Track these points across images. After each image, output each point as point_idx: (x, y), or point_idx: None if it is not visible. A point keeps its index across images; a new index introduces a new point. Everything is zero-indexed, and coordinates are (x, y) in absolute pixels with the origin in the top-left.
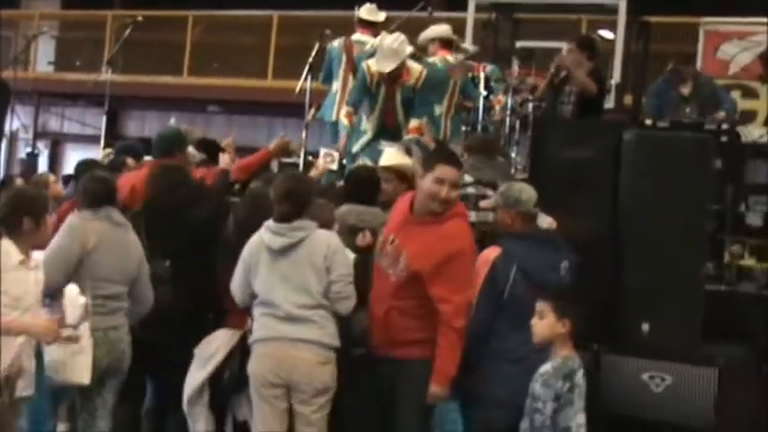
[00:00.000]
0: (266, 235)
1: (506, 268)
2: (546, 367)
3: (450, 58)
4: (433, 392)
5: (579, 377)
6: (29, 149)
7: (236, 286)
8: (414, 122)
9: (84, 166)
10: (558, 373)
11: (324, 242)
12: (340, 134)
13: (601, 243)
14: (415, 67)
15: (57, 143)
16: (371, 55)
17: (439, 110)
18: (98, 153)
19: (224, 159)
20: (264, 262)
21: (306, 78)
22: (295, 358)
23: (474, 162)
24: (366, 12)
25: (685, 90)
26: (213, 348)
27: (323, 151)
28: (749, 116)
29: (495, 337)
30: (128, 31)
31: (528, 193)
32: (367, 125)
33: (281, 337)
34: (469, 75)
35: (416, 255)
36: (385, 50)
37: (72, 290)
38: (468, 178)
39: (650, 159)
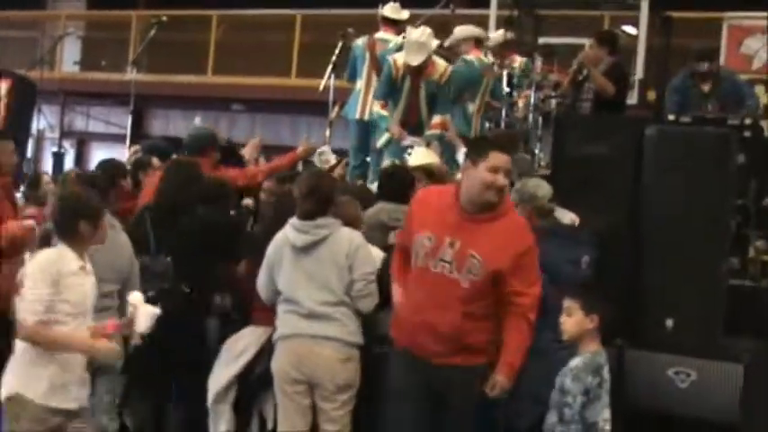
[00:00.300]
0: (290, 232)
1: None
2: (576, 362)
3: (484, 58)
4: (500, 383)
5: (606, 372)
6: (55, 148)
7: (261, 284)
8: (437, 118)
9: (105, 165)
10: (587, 367)
11: (346, 240)
12: (380, 127)
13: (623, 239)
14: (440, 62)
15: (82, 142)
16: (399, 49)
17: (472, 108)
18: (123, 152)
19: (247, 153)
20: (288, 259)
21: (329, 76)
22: (317, 355)
23: None
24: (390, 10)
25: (705, 87)
26: (242, 346)
27: (318, 150)
28: None
29: None
30: (153, 32)
31: (543, 188)
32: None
33: (304, 333)
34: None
35: (491, 254)
36: (412, 44)
37: (139, 297)
38: None
39: (672, 155)
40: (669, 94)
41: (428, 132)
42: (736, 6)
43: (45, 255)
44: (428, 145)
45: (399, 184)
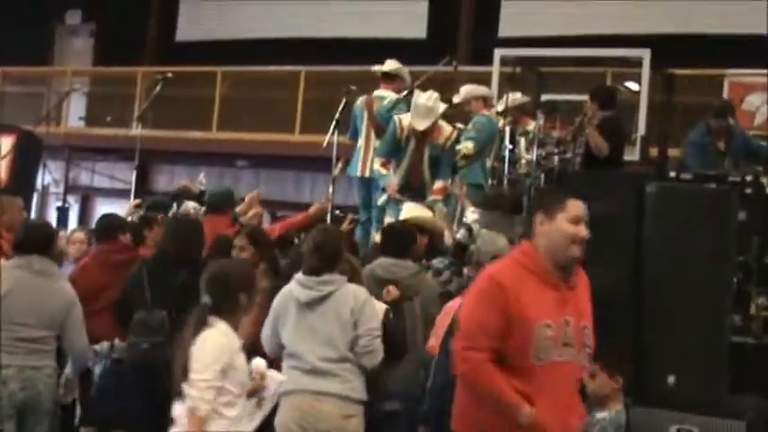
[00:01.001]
0: (295, 287)
1: None
2: (603, 414)
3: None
4: None
5: None
6: (59, 203)
7: (265, 336)
8: (438, 183)
9: (104, 220)
10: (613, 423)
11: (351, 296)
12: (377, 184)
13: (625, 295)
14: (446, 127)
15: (87, 197)
16: (390, 110)
17: (489, 162)
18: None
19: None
20: (292, 314)
21: (333, 133)
22: (319, 411)
23: (490, 217)
24: (387, 65)
25: (721, 144)
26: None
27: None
28: None
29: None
30: (158, 88)
31: (489, 247)
32: (395, 175)
33: (306, 389)
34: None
35: (590, 316)
36: (420, 108)
37: (263, 364)
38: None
39: (673, 211)
40: (689, 151)
41: (430, 198)
42: (737, 63)
43: (214, 339)
44: (431, 209)
45: (398, 239)
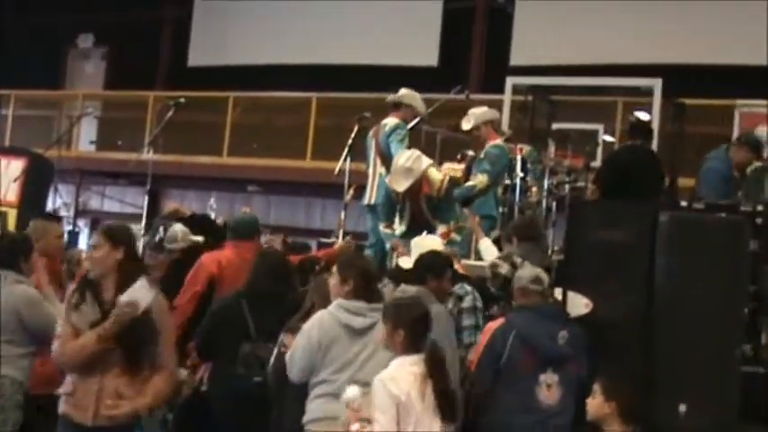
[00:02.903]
0: (342, 315)
1: (504, 335)
2: None
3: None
4: None
5: None
6: (69, 227)
7: (297, 362)
8: (441, 228)
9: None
10: None
11: None
12: (385, 243)
13: (636, 323)
14: (435, 176)
15: (96, 221)
16: (389, 136)
17: (500, 190)
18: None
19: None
20: (344, 343)
21: (345, 159)
22: None
23: (525, 248)
24: (398, 94)
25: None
26: None
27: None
28: None
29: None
30: (171, 113)
31: (526, 271)
32: (400, 225)
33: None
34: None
35: None
36: (398, 170)
37: (357, 394)
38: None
39: (685, 241)
40: (707, 178)
41: None
42: (748, 94)
43: None
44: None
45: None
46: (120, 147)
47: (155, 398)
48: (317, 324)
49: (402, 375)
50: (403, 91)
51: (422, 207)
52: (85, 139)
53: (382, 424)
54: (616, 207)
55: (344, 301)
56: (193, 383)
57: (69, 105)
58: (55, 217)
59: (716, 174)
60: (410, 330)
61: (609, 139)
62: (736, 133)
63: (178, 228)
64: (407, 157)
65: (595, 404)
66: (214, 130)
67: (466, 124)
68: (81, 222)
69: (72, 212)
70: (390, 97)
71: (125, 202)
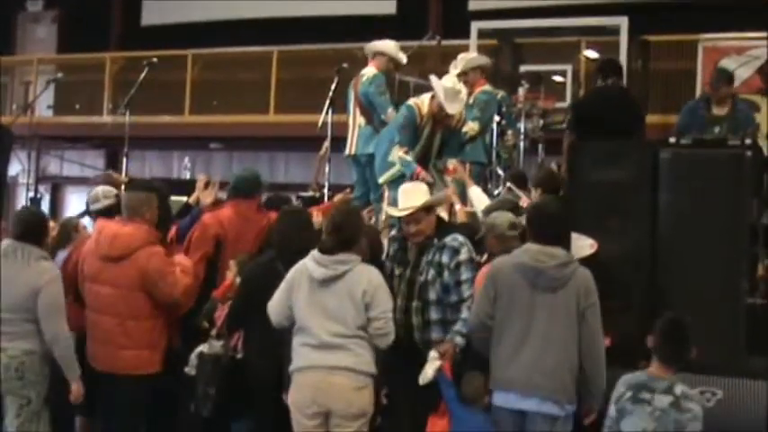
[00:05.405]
0: (310, 263)
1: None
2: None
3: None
4: None
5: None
6: (30, 194)
7: (273, 305)
8: (450, 164)
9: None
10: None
11: (365, 277)
12: (406, 174)
13: (640, 261)
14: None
15: (57, 187)
16: (369, 85)
17: (488, 138)
18: None
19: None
20: (305, 290)
21: (326, 112)
22: (331, 384)
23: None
24: (375, 44)
25: (722, 111)
26: None
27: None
28: None
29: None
30: (144, 73)
31: (501, 218)
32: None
33: (317, 365)
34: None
35: None
36: (449, 92)
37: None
38: None
39: (688, 177)
40: (681, 115)
41: (447, 178)
42: (711, 28)
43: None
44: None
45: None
46: (77, 110)
47: None
48: (292, 270)
49: None
50: (382, 42)
51: (434, 141)
52: (43, 104)
53: None
54: (615, 146)
55: (316, 251)
56: (229, 352)
57: (22, 70)
58: None
59: (683, 111)
60: None
61: (559, 79)
62: (699, 68)
63: (99, 189)
64: (454, 82)
65: None
66: (174, 89)
67: (453, 69)
68: (42, 188)
69: (32, 179)
70: (366, 48)
71: (85, 164)
